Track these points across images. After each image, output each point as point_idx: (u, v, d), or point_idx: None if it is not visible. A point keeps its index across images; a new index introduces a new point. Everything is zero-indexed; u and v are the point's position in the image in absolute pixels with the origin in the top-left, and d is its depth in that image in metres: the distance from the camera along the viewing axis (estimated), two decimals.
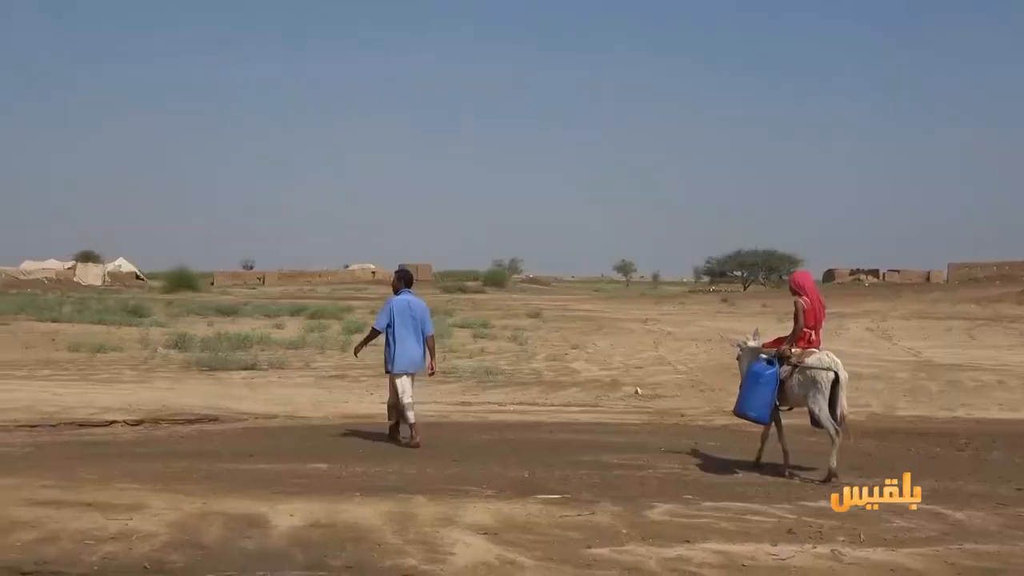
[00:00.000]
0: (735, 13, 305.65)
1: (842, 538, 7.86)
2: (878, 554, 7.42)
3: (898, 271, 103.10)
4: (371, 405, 16.10)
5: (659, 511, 8.71)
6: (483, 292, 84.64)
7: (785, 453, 11.17)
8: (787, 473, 10.96)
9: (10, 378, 18.81)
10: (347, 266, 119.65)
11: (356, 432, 13.62)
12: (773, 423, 11.29)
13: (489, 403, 16.77)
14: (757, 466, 11.34)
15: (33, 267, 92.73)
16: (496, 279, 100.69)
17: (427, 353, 13.10)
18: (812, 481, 10.54)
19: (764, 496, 9.54)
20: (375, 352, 21.85)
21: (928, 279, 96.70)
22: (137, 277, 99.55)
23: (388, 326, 12.88)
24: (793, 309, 11.16)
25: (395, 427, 13.11)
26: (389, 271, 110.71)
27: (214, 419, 14.48)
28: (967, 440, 13.62)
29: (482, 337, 30.90)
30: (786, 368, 10.91)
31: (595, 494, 9.49)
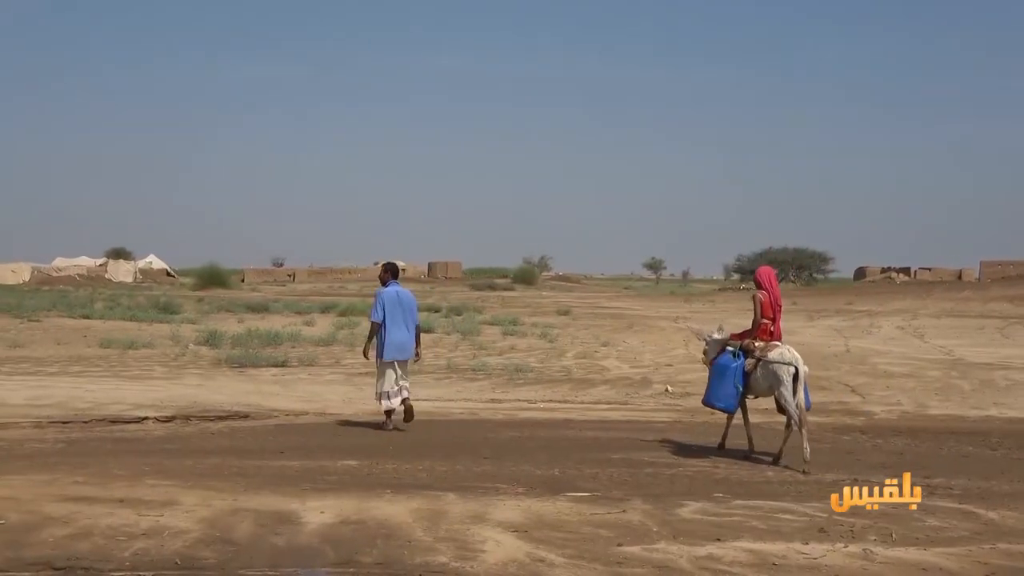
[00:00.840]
0: (763, 5, 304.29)
1: (874, 537, 7.82)
2: (910, 553, 7.38)
3: (929, 269, 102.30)
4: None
5: (689, 509, 8.69)
6: (512, 290, 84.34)
7: (750, 440, 12.02)
8: (752, 458, 11.74)
9: (42, 374, 18.94)
10: (376, 263, 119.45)
11: (386, 429, 13.63)
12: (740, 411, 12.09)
13: (519, 400, 16.75)
14: (721, 449, 12.15)
15: (65, 264, 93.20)
16: (525, 277, 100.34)
17: (416, 342, 13.98)
18: (796, 471, 11.01)
19: (795, 494, 9.50)
20: None
21: (960, 277, 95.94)
22: (168, 274, 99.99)
23: (382, 318, 13.77)
24: (753, 303, 12.01)
25: (388, 418, 13.76)
26: (419, 268, 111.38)
27: (244, 416, 14.53)
28: (1000, 439, 13.52)
29: (512, 334, 30.89)
30: (751, 361, 11.67)
31: (625, 492, 9.48)
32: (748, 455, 11.84)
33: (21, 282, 79.48)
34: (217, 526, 7.82)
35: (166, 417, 14.08)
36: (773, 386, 11.47)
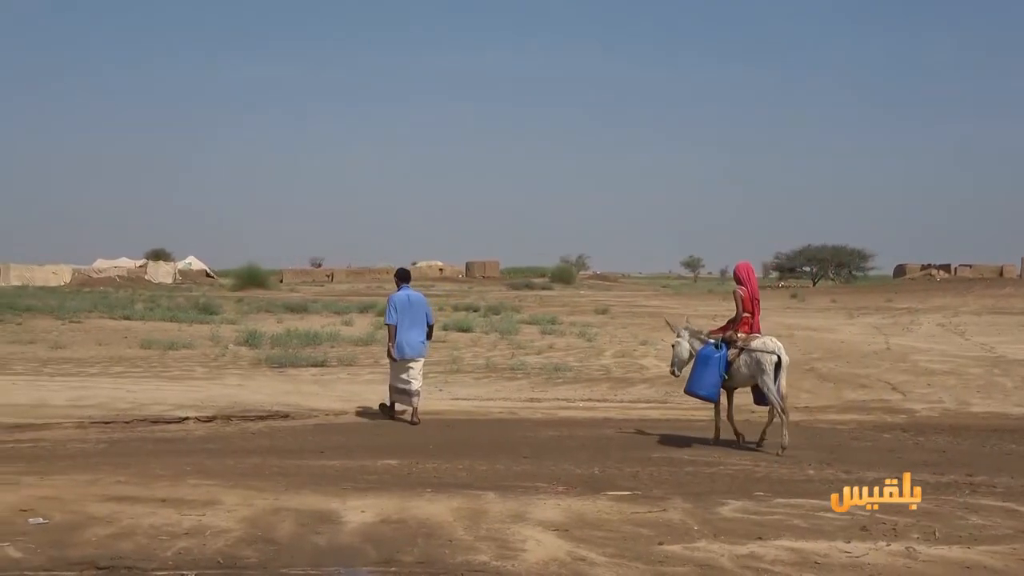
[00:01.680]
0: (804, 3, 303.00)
1: (916, 535, 7.74)
2: (954, 552, 7.30)
3: (970, 266, 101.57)
4: (440, 402, 16.15)
5: (730, 508, 8.64)
6: (550, 289, 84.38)
7: (717, 429, 12.66)
8: (744, 445, 12.37)
9: (84, 375, 19.06)
10: (415, 263, 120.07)
11: (426, 428, 13.66)
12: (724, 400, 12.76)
13: (557, 399, 16.72)
14: (716, 442, 12.54)
15: (105, 265, 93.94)
16: (563, 276, 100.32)
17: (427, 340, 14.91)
18: (769, 453, 11.84)
19: (836, 493, 9.42)
20: (442, 349, 21.97)
21: (1001, 274, 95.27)
22: (207, 275, 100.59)
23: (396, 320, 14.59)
24: (734, 298, 12.63)
25: (392, 406, 14.80)
26: (457, 267, 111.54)
27: (285, 416, 14.58)
28: None
29: (550, 333, 30.84)
30: (734, 351, 12.28)
31: (666, 490, 9.45)
32: (715, 442, 12.56)
33: (62, 284, 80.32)
34: (259, 525, 7.85)
35: (207, 417, 14.15)
36: (755, 375, 12.09)
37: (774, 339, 12.29)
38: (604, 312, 44.06)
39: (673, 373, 13.16)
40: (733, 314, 12.64)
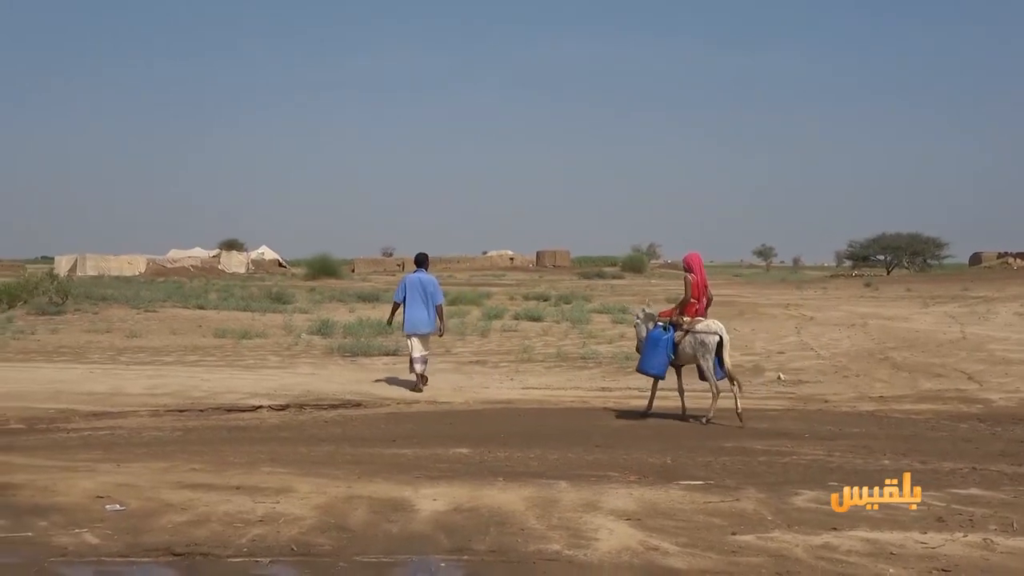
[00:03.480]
0: None
1: (994, 526, 7.59)
2: None
3: None
4: (511, 390, 16.16)
5: (804, 498, 8.54)
6: (621, 278, 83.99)
7: (683, 403, 13.86)
8: (688, 419, 13.57)
9: (159, 364, 19.31)
10: (485, 252, 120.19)
11: (497, 417, 13.68)
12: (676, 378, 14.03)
13: (629, 388, 16.62)
14: (645, 415, 13.84)
15: (179, 255, 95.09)
16: (634, 264, 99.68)
17: (437, 318, 16.60)
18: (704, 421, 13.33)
19: (912, 483, 9.27)
20: (513, 338, 22.00)
21: None
22: (280, 264, 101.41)
23: (403, 298, 16.56)
24: (684, 284, 13.80)
25: (421, 377, 16.33)
26: (527, 257, 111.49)
27: (357, 404, 14.66)
28: None
29: (621, 323, 30.66)
30: (679, 333, 13.57)
31: (738, 480, 9.36)
32: (644, 414, 13.86)
33: (137, 274, 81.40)
34: (332, 513, 7.88)
35: (280, 406, 14.26)
36: (699, 354, 13.41)
37: (716, 322, 13.74)
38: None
39: (638, 350, 14.26)
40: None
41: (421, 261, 17.21)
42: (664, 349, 13.44)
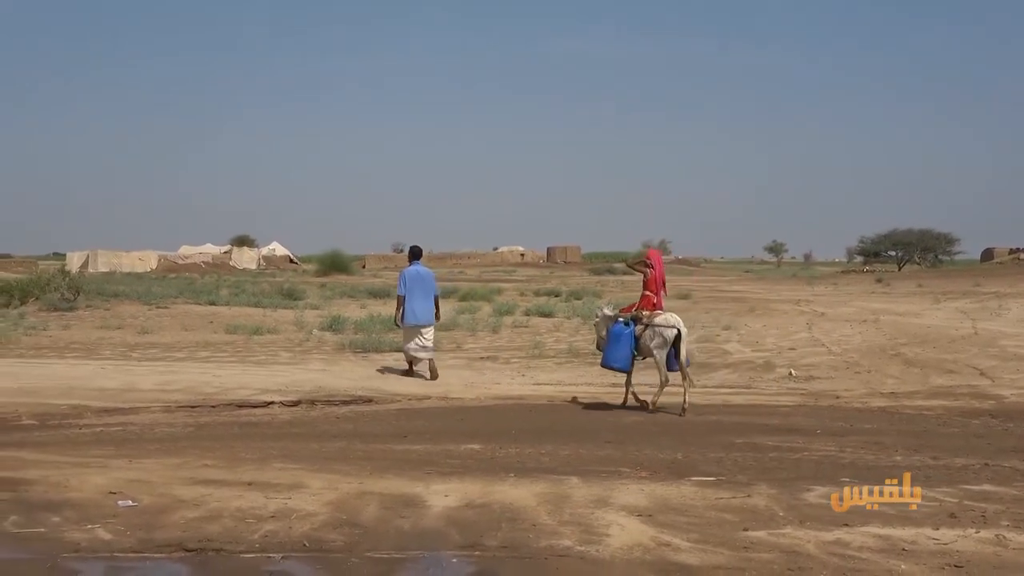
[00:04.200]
0: None
1: (1006, 523, 7.60)
2: None
3: None
4: (522, 386, 16.17)
5: (816, 494, 8.54)
6: (631, 274, 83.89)
7: (635, 395, 14.54)
8: (644, 406, 14.22)
9: (170, 359, 19.31)
10: (496, 248, 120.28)
11: (508, 413, 13.68)
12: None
13: (640, 384, 16.54)
14: (624, 407, 14.43)
15: (190, 252, 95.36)
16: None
17: (435, 309, 17.50)
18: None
19: (924, 479, 9.21)
20: (524, 334, 22.00)
21: None
22: (291, 260, 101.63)
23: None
24: (643, 278, 14.57)
25: (410, 366, 17.47)
26: (538, 253, 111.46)
27: (368, 400, 14.66)
28: None
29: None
30: (640, 327, 14.20)
31: (750, 476, 9.36)
32: (623, 406, 14.51)
33: (148, 270, 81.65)
34: (344, 509, 7.90)
35: (291, 402, 14.27)
36: (655, 346, 14.05)
37: (674, 315, 14.36)
38: (686, 297, 43.72)
39: (599, 348, 15.03)
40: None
41: (417, 254, 18.13)
42: (627, 343, 14.08)
